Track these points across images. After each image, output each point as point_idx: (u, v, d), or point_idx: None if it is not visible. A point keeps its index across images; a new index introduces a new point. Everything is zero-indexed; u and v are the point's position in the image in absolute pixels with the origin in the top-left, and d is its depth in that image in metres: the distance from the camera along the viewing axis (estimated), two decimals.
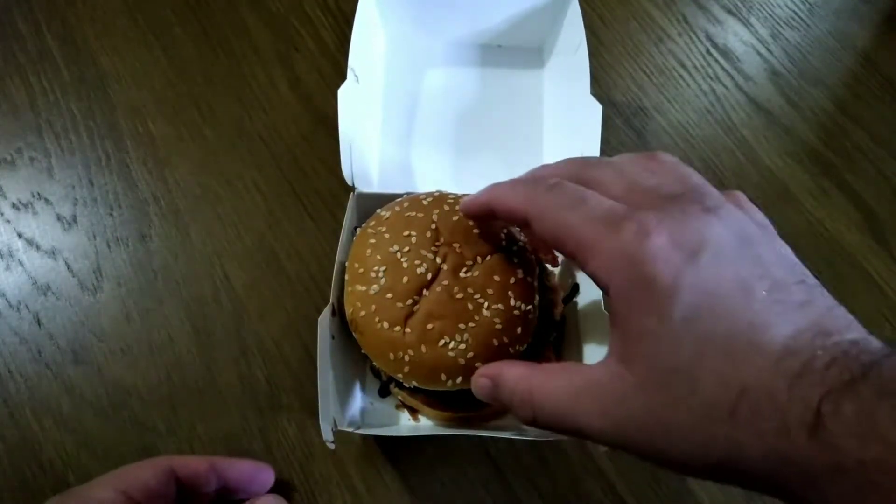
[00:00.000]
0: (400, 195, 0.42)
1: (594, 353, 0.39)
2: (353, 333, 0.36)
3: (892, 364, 0.19)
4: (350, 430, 0.35)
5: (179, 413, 0.42)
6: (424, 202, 0.37)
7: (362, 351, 0.36)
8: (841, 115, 0.54)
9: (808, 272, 0.23)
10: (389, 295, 0.34)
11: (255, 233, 0.48)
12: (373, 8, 0.50)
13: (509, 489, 0.40)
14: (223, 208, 0.48)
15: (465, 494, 0.40)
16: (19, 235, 0.47)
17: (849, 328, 0.21)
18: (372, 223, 0.38)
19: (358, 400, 0.41)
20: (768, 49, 0.57)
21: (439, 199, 0.37)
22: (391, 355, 0.34)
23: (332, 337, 0.37)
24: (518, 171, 0.32)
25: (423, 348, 0.33)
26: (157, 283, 0.46)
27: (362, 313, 0.34)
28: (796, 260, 0.24)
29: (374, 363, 0.41)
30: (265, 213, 0.48)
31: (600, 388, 0.23)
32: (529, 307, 0.34)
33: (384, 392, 0.42)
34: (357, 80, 0.45)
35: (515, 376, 0.27)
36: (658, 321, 0.22)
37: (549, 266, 0.42)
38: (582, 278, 0.42)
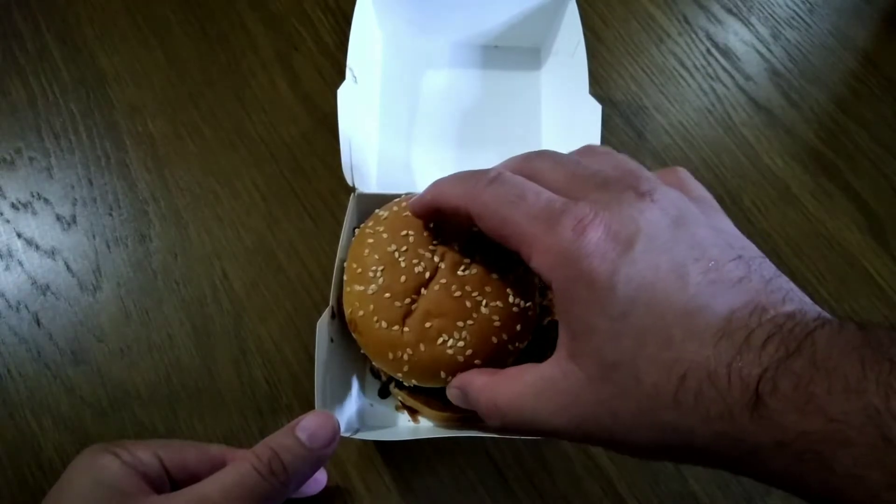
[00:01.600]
0: (400, 195, 0.42)
1: None
2: (353, 334, 0.36)
3: (825, 334, 0.19)
4: (348, 435, 0.35)
5: (179, 413, 0.42)
6: None
7: (361, 351, 0.36)
8: (841, 115, 0.54)
9: (747, 244, 0.24)
10: (387, 294, 0.34)
11: (255, 233, 0.48)
12: (370, 9, 0.50)
13: (509, 489, 0.40)
14: (223, 208, 0.48)
15: (465, 495, 0.40)
16: (19, 235, 0.47)
17: (785, 300, 0.21)
18: (370, 223, 0.38)
19: (357, 402, 0.41)
20: (769, 49, 0.57)
21: None
22: (390, 354, 0.34)
23: (331, 340, 0.37)
24: None
25: (422, 347, 0.33)
26: (156, 283, 0.46)
27: (361, 313, 0.34)
28: (736, 233, 0.24)
29: (373, 364, 0.41)
30: (265, 213, 0.48)
31: (555, 385, 0.24)
32: (529, 304, 0.34)
33: (384, 393, 0.42)
34: (356, 81, 0.45)
35: (479, 385, 0.28)
36: (599, 317, 0.22)
37: None
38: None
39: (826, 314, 0.21)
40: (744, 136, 0.53)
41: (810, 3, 0.59)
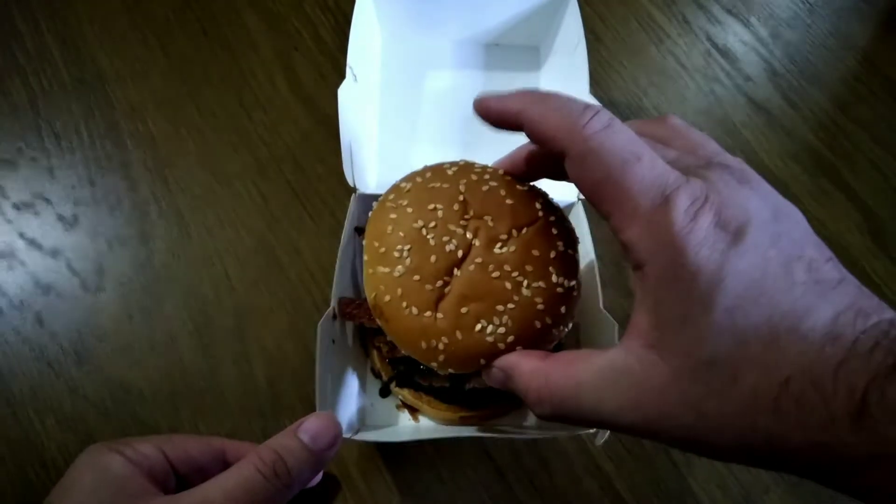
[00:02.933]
0: None
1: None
2: (378, 320, 0.32)
3: None
4: (349, 435, 0.35)
5: (181, 412, 0.42)
6: (449, 172, 0.33)
7: (388, 338, 0.33)
8: (841, 115, 0.54)
9: (826, 247, 0.22)
10: (417, 277, 0.30)
11: (256, 233, 0.48)
12: (370, 7, 0.50)
13: (509, 489, 0.41)
14: (223, 208, 0.48)
15: (465, 494, 0.40)
16: (21, 235, 0.47)
17: (882, 307, 0.20)
18: (391, 196, 0.34)
19: (358, 401, 0.41)
20: (768, 49, 0.57)
21: (465, 168, 0.33)
22: (423, 344, 0.30)
23: (332, 341, 0.37)
24: None
25: (459, 335, 0.29)
26: (158, 283, 0.46)
27: (387, 298, 0.31)
28: (814, 233, 0.23)
29: (373, 367, 0.42)
30: (265, 213, 0.48)
31: (629, 377, 0.22)
32: (573, 283, 0.31)
33: (385, 393, 0.42)
34: (356, 80, 0.45)
35: (530, 369, 0.26)
36: (699, 309, 0.20)
37: None
38: (582, 279, 0.42)
39: None
40: (743, 136, 0.54)
41: (810, 4, 0.59)
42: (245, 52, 0.54)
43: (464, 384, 0.38)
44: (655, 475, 0.41)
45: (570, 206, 0.43)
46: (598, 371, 0.23)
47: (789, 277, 0.20)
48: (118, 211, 0.48)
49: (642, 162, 0.22)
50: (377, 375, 0.42)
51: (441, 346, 0.30)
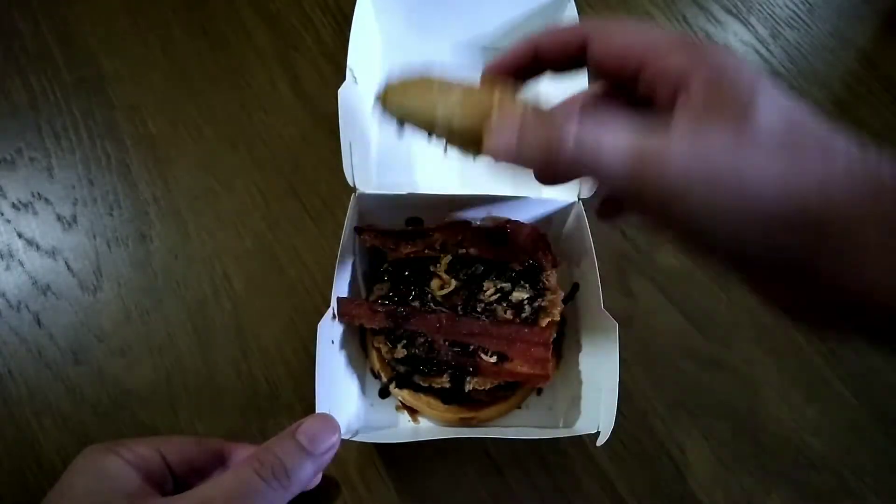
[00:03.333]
0: (403, 195, 0.42)
1: (594, 352, 0.39)
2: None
3: None
4: (349, 437, 0.35)
5: (179, 413, 0.42)
6: None
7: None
8: (841, 115, 0.54)
9: None
10: None
11: (255, 233, 0.48)
12: (370, 11, 0.50)
13: (509, 489, 0.40)
14: (223, 208, 0.48)
15: (465, 494, 0.40)
16: (19, 235, 0.47)
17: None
18: None
19: (358, 402, 0.41)
20: (768, 49, 0.57)
21: None
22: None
23: (332, 342, 0.37)
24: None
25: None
26: (157, 283, 0.46)
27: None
28: None
29: (373, 368, 0.42)
30: (265, 213, 0.48)
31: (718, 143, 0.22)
32: None
33: (384, 394, 0.42)
34: (356, 81, 0.45)
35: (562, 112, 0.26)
36: (749, 91, 0.21)
37: (549, 267, 0.42)
38: (582, 278, 0.42)
39: None
40: None
41: (810, 4, 0.59)
42: (245, 53, 0.54)
43: (464, 385, 0.38)
44: (655, 475, 0.41)
45: (571, 205, 0.43)
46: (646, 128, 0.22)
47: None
48: (117, 211, 0.48)
49: (658, 27, 0.25)
50: (376, 376, 0.42)
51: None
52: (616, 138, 0.22)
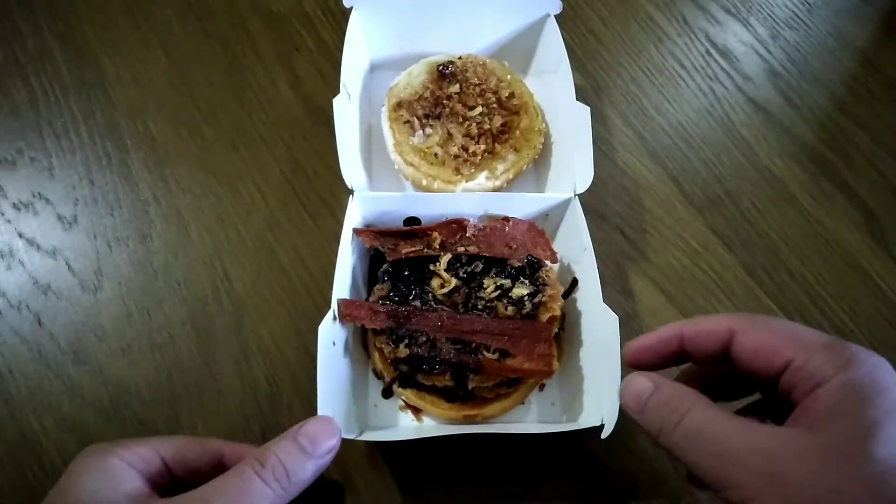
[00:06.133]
0: (401, 195, 0.42)
1: (595, 346, 0.39)
2: None
3: None
4: (352, 437, 0.35)
5: (180, 413, 0.42)
6: None
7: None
8: (840, 115, 0.54)
9: None
10: None
11: (255, 233, 0.48)
12: (360, 34, 0.50)
13: (510, 489, 0.40)
14: (223, 208, 0.48)
15: (465, 494, 0.40)
16: (20, 235, 0.47)
17: None
18: None
19: (360, 403, 0.41)
20: (768, 49, 0.57)
21: None
22: None
23: (333, 343, 0.37)
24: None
25: None
26: (157, 283, 0.46)
27: None
28: None
29: (375, 368, 0.42)
30: (265, 213, 0.48)
31: (770, 436, 0.24)
32: None
33: (387, 394, 0.42)
34: (349, 98, 0.45)
35: (673, 392, 0.28)
36: (883, 416, 0.23)
37: (548, 262, 0.42)
38: (580, 273, 0.42)
39: None
40: (743, 136, 0.54)
41: (809, 4, 0.59)
42: (245, 53, 0.54)
43: (466, 383, 0.38)
44: (655, 475, 0.41)
45: (567, 201, 0.43)
46: (740, 424, 0.25)
47: None
48: (118, 211, 0.48)
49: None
50: (379, 377, 0.42)
51: None
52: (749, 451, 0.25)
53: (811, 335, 0.26)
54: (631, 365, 0.32)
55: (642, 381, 0.30)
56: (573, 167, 0.44)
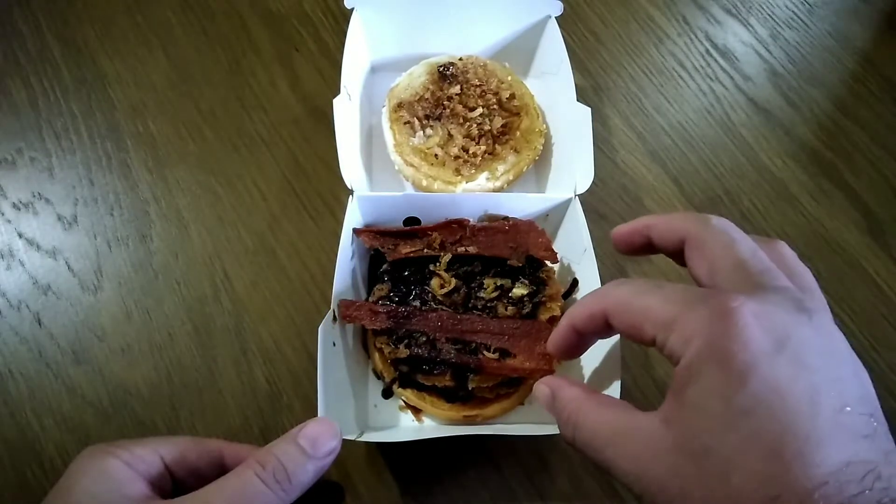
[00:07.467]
0: (400, 195, 0.42)
1: (594, 348, 0.39)
2: None
3: None
4: (353, 437, 0.35)
5: (180, 413, 0.42)
6: None
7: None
8: (840, 116, 0.54)
9: (878, 408, 0.23)
10: None
11: (256, 233, 0.48)
12: (360, 34, 0.50)
13: (510, 489, 0.40)
14: (223, 208, 0.48)
15: (465, 494, 0.40)
16: (20, 235, 0.47)
17: None
18: None
19: (360, 404, 0.41)
20: (768, 49, 0.57)
21: None
22: None
23: (333, 344, 0.37)
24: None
25: None
26: (157, 283, 0.46)
27: None
28: (873, 392, 0.23)
29: (375, 368, 0.42)
30: (265, 213, 0.48)
31: (638, 433, 0.24)
32: None
33: (387, 394, 0.42)
34: (349, 99, 0.45)
35: (569, 396, 0.29)
36: (717, 400, 0.22)
37: (548, 262, 0.42)
38: (580, 273, 0.42)
39: None
40: (743, 136, 0.54)
41: (809, 4, 0.59)
42: (245, 53, 0.54)
43: (467, 383, 0.38)
44: None
45: (568, 201, 0.43)
46: (617, 420, 0.26)
47: (814, 406, 0.21)
48: (118, 211, 0.48)
49: (664, 287, 0.25)
50: (379, 377, 0.42)
51: None
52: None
53: (665, 305, 0.25)
54: (616, 249, 0.32)
55: (542, 389, 0.31)
56: (573, 168, 0.44)
